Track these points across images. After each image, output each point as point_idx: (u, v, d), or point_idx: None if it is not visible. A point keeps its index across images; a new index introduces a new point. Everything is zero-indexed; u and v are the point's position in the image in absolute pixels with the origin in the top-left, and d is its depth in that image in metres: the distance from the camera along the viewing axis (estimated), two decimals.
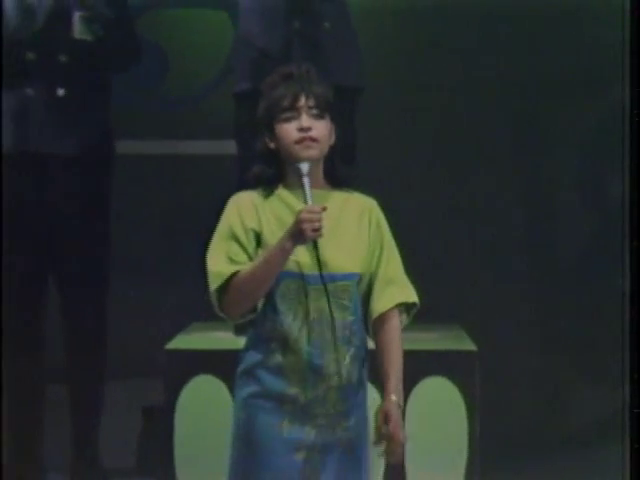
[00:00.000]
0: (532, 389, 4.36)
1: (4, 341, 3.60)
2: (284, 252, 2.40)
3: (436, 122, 4.46)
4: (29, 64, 3.61)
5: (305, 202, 2.40)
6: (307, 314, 2.47)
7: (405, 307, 2.57)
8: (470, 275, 4.39)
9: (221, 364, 3.25)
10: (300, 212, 2.37)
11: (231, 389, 3.12)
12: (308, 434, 2.45)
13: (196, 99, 4.50)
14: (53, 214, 3.63)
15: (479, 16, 4.48)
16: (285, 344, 2.47)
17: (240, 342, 3.22)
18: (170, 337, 3.57)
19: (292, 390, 2.47)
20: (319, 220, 2.36)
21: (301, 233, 2.36)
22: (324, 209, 2.37)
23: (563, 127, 4.57)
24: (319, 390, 2.47)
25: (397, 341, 2.53)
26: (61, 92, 3.61)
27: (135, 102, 4.45)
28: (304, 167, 2.42)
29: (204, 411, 3.38)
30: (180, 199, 4.45)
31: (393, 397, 2.45)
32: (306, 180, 2.41)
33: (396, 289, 2.53)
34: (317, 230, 2.36)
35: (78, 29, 3.62)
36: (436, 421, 3.38)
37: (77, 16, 3.60)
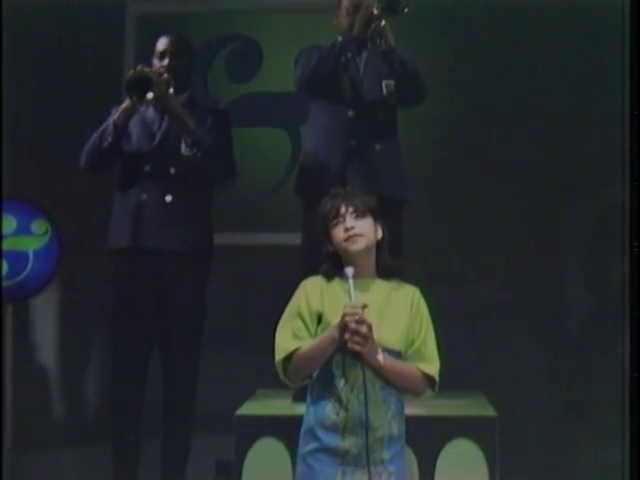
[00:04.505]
0: (547, 450, 4.40)
1: None
2: (333, 340, 2.77)
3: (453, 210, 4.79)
4: (145, 174, 3.92)
5: (349, 299, 2.75)
6: (357, 378, 2.79)
7: (428, 381, 2.90)
8: (490, 350, 4.59)
9: (281, 428, 3.53)
10: (345, 307, 2.75)
11: (290, 450, 3.46)
12: None
13: (261, 199, 4.90)
14: (159, 299, 3.89)
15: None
16: (339, 404, 2.79)
17: (297, 408, 3.51)
18: (240, 403, 3.82)
19: (345, 443, 2.79)
20: (360, 314, 2.70)
21: (345, 325, 2.71)
22: (365, 306, 2.73)
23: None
24: (368, 442, 2.78)
25: (406, 366, 2.85)
26: (169, 198, 3.90)
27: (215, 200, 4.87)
28: (349, 272, 2.81)
29: (267, 469, 3.55)
30: (250, 283, 4.77)
31: (380, 352, 2.76)
32: (350, 282, 2.78)
33: (419, 362, 2.88)
34: (358, 322, 2.70)
35: (184, 148, 3.88)
36: (461, 478, 3.55)
37: (183, 139, 3.87)
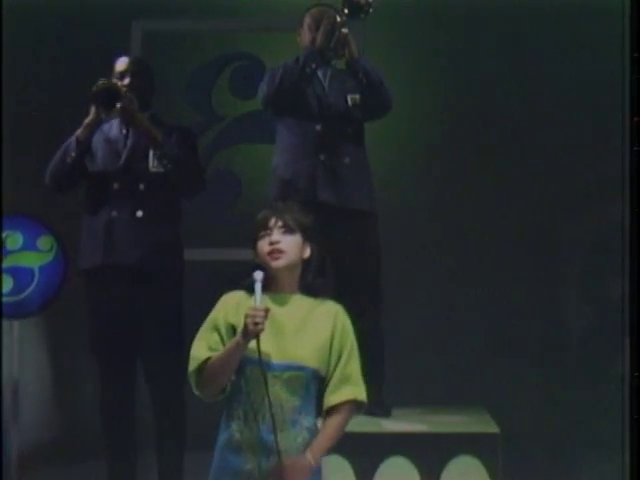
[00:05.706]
0: (549, 467, 4.44)
1: None
2: (238, 345, 2.68)
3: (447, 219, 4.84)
4: (114, 192, 3.97)
5: (254, 302, 2.68)
6: (264, 397, 2.69)
7: (356, 403, 2.80)
8: (492, 367, 4.58)
9: None
10: (247, 309, 2.66)
11: None
12: None
13: None
14: (135, 315, 3.94)
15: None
16: (244, 423, 2.72)
17: None
18: None
19: (248, 465, 2.71)
20: (260, 317, 2.62)
21: (245, 328, 2.65)
22: (267, 310, 2.64)
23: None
24: (271, 465, 2.69)
25: (339, 423, 2.77)
26: (139, 214, 3.95)
27: (217, 217, 4.92)
28: (257, 275, 2.71)
29: None
30: None
31: (308, 455, 2.69)
32: (258, 285, 2.70)
33: (349, 387, 2.78)
34: (257, 324, 2.62)
35: (152, 164, 3.95)
36: None
37: (151, 153, 3.96)
